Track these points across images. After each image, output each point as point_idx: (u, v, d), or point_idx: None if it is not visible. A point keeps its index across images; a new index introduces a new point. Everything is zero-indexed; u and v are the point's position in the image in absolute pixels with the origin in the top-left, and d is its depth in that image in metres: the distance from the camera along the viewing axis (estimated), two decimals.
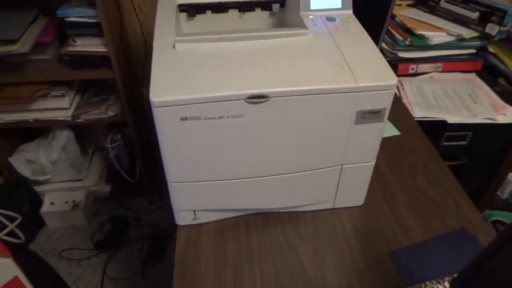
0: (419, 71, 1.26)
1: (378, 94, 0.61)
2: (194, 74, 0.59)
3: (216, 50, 0.64)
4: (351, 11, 0.76)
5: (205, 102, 0.56)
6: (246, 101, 0.57)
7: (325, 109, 0.61)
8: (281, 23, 0.84)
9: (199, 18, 0.82)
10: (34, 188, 1.56)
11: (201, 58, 0.62)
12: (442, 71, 1.27)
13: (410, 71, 1.25)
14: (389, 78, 0.61)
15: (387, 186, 0.82)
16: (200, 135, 0.60)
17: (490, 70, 1.27)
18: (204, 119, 0.58)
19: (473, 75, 1.26)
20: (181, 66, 0.60)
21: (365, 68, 0.62)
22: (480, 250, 0.44)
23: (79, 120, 1.41)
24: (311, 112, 0.60)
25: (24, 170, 1.49)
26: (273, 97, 0.57)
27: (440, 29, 1.22)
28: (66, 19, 1.23)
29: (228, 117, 0.58)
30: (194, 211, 0.71)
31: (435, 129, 1.10)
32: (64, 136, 1.50)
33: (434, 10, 1.31)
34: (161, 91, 0.56)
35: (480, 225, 0.75)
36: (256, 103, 0.57)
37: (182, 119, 0.57)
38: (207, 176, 0.66)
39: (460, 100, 1.15)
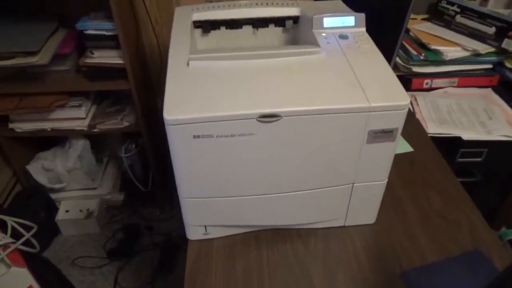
0: (434, 85, 1.25)
1: (390, 114, 0.60)
2: (207, 92, 0.60)
3: (229, 68, 0.65)
4: (364, 29, 0.76)
5: (218, 121, 0.57)
6: (258, 120, 0.57)
7: (336, 128, 0.61)
8: (294, 39, 0.85)
9: (214, 33, 0.84)
10: (50, 195, 1.59)
11: (214, 76, 0.63)
12: (457, 86, 1.26)
13: (425, 86, 1.24)
14: (402, 98, 0.60)
15: (399, 204, 0.82)
16: (212, 152, 0.60)
17: (506, 86, 1.25)
18: (216, 137, 0.58)
19: (489, 90, 1.25)
20: (194, 84, 0.61)
21: (377, 87, 0.62)
22: (494, 273, 0.43)
23: (95, 130, 1.43)
24: (322, 131, 0.61)
25: (41, 178, 1.53)
26: (284, 116, 0.58)
27: (455, 44, 1.21)
28: (84, 32, 1.26)
29: (239, 135, 0.59)
30: (205, 226, 0.72)
31: (449, 145, 1.08)
32: (80, 145, 1.53)
33: (449, 24, 1.30)
34: (174, 109, 0.57)
35: (495, 246, 0.73)
36: (268, 122, 0.58)
37: (194, 136, 0.58)
38: (218, 192, 0.66)
39: (475, 116, 1.13)
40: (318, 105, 0.58)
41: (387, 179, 0.70)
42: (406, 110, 0.61)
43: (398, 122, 0.62)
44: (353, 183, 0.69)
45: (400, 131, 0.63)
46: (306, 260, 0.71)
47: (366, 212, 0.76)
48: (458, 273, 0.69)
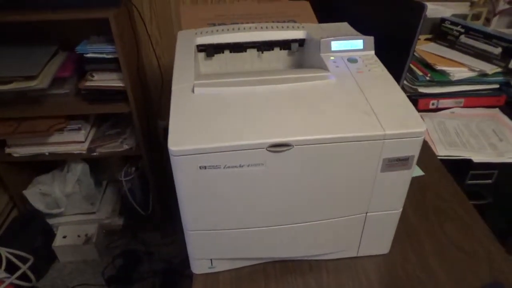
0: (440, 106, 1.23)
1: (406, 142, 0.58)
2: (214, 121, 0.57)
3: (236, 94, 0.62)
4: (373, 52, 0.74)
5: (225, 151, 0.54)
6: (268, 150, 0.54)
7: (350, 157, 0.58)
8: (300, 63, 0.83)
9: (217, 57, 0.81)
10: (47, 220, 1.55)
11: (220, 103, 0.60)
12: (463, 106, 1.24)
13: (431, 107, 1.22)
14: (417, 124, 0.58)
15: (413, 233, 0.78)
16: (219, 183, 0.57)
17: None
18: (224, 167, 0.55)
19: (496, 110, 1.23)
20: (200, 112, 0.59)
21: (391, 114, 0.59)
22: None
23: (95, 154, 1.40)
24: (335, 160, 0.58)
25: (38, 203, 1.49)
26: (296, 145, 0.55)
27: (461, 64, 1.19)
28: (85, 55, 1.24)
29: (248, 165, 0.56)
30: (211, 259, 0.68)
31: (459, 166, 1.05)
32: (79, 169, 1.50)
33: (453, 44, 1.29)
34: (180, 139, 0.54)
35: None
36: (278, 151, 0.55)
37: (201, 167, 0.55)
38: (226, 224, 0.63)
39: (484, 137, 1.11)
40: (331, 134, 0.55)
41: (401, 208, 0.67)
42: (423, 137, 0.58)
43: (414, 149, 0.59)
44: (367, 213, 0.66)
45: (416, 159, 0.60)
46: None
47: (379, 242, 0.72)
48: None
